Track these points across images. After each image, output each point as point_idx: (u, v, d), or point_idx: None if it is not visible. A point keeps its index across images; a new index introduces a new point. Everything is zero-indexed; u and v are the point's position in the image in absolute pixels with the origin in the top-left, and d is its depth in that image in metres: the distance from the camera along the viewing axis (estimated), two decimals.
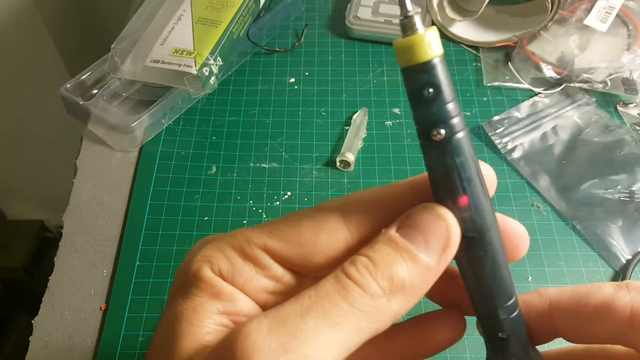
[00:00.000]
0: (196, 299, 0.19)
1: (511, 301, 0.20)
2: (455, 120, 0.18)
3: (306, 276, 0.21)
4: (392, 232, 0.19)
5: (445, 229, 0.18)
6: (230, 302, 0.19)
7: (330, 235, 0.20)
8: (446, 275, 0.21)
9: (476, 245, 0.19)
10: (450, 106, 0.18)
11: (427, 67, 0.17)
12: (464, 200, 0.18)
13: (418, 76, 0.18)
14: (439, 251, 0.18)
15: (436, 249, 0.18)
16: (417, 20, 0.18)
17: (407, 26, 0.18)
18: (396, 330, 0.23)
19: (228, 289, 0.19)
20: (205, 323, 0.18)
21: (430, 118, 0.18)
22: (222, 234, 0.21)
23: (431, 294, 0.23)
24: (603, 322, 0.19)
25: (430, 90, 0.17)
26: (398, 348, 0.22)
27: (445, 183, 0.18)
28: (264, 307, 0.20)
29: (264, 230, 0.20)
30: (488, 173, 0.20)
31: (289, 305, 0.17)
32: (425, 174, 0.20)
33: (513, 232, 0.21)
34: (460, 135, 0.18)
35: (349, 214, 0.20)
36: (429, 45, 0.17)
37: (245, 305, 0.19)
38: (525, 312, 0.21)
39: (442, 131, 0.18)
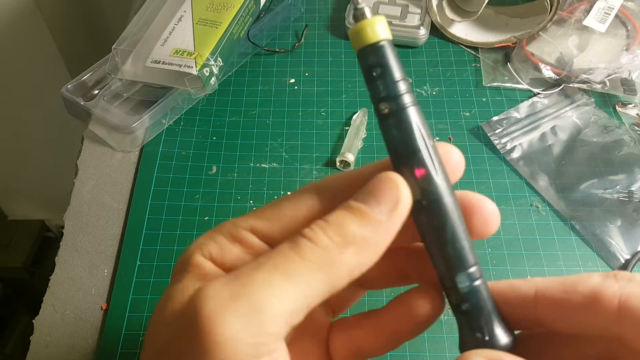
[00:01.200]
0: (184, 281, 0.20)
1: (471, 269, 0.20)
2: (402, 97, 0.20)
3: None
4: (349, 200, 0.20)
5: (394, 188, 0.20)
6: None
7: (308, 210, 0.21)
8: (421, 253, 0.22)
9: (429, 212, 0.20)
10: (397, 84, 0.20)
11: (374, 49, 0.20)
12: (413, 169, 0.20)
13: (368, 57, 0.20)
14: (389, 207, 0.20)
15: (386, 205, 0.20)
16: (367, 10, 0.20)
17: (357, 15, 0.20)
18: (380, 311, 0.23)
19: (214, 271, 0.20)
20: (185, 300, 0.19)
21: (379, 94, 0.20)
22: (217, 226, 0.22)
23: (409, 273, 0.24)
24: (590, 311, 0.20)
25: (379, 69, 0.20)
26: (383, 328, 0.23)
27: (395, 153, 0.21)
28: None
29: (249, 215, 0.22)
30: (451, 152, 0.21)
31: (245, 265, 0.19)
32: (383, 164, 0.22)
33: (483, 208, 0.22)
34: (407, 110, 0.20)
35: (324, 192, 0.22)
36: (376, 29, 0.20)
37: None
38: (509, 295, 0.21)
39: (388, 106, 0.20)
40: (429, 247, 0.21)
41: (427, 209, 0.20)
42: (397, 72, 0.20)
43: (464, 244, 0.20)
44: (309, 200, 0.21)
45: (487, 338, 0.20)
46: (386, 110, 0.20)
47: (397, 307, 0.23)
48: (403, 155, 0.20)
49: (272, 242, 0.21)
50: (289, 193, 0.23)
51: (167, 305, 0.19)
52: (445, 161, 0.21)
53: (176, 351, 0.18)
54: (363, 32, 0.20)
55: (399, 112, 0.20)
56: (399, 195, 0.20)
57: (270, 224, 0.21)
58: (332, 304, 0.25)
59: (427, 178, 0.20)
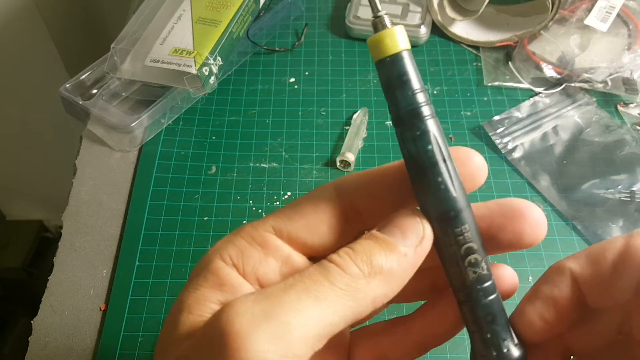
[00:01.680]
0: (200, 289, 0.20)
1: (486, 284, 0.21)
2: (422, 108, 0.20)
3: (312, 257, 0.22)
4: (373, 230, 0.21)
5: (419, 224, 0.21)
6: (232, 293, 0.20)
7: (327, 208, 0.22)
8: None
9: (444, 228, 0.20)
10: (416, 95, 0.20)
11: (394, 60, 0.20)
12: (430, 183, 0.20)
13: (387, 68, 0.20)
14: (415, 242, 0.20)
15: (412, 240, 0.20)
16: (386, 19, 0.20)
17: (377, 24, 0.20)
18: (407, 319, 0.24)
19: (232, 280, 0.20)
20: (205, 313, 0.19)
21: (398, 105, 0.20)
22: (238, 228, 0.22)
23: (439, 285, 0.24)
24: (624, 273, 0.20)
25: (398, 80, 0.20)
26: (411, 336, 0.23)
27: (413, 166, 0.20)
28: None
29: (269, 216, 0.22)
30: (473, 158, 0.22)
31: (274, 284, 0.19)
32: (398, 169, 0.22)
33: (530, 214, 0.22)
34: (426, 122, 0.20)
35: (342, 191, 0.22)
36: (396, 39, 0.20)
37: (247, 291, 0.20)
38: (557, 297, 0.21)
39: (407, 118, 0.20)
40: (444, 262, 0.21)
41: (443, 224, 0.20)
42: (416, 83, 0.20)
43: (479, 258, 0.20)
44: (327, 199, 0.22)
45: (500, 352, 0.21)
46: (405, 123, 0.20)
47: (425, 315, 0.24)
48: (421, 169, 0.20)
49: (293, 242, 0.21)
50: (306, 194, 0.23)
51: (185, 315, 0.19)
52: (465, 166, 0.21)
53: None
54: (382, 43, 0.20)
55: (418, 125, 0.20)
56: (424, 231, 0.20)
57: (291, 222, 0.21)
58: None
59: (445, 193, 0.20)
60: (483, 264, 0.20)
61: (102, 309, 0.41)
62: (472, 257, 0.20)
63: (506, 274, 0.23)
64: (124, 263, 0.43)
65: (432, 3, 0.56)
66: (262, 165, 0.48)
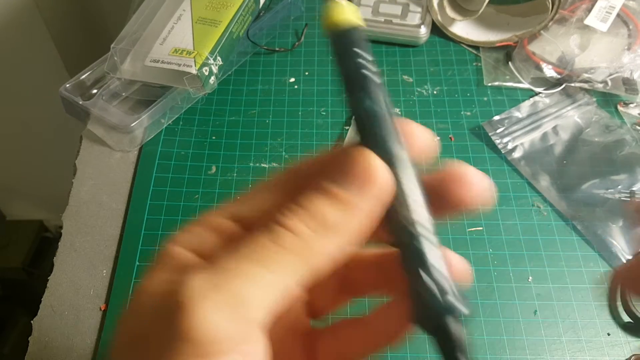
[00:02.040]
0: (159, 273, 0.20)
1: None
2: (372, 74, 0.21)
3: None
4: (320, 181, 0.20)
5: (365, 166, 0.19)
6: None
7: (285, 193, 0.21)
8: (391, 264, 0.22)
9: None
10: (368, 63, 0.21)
11: (345, 31, 0.21)
12: (379, 142, 0.20)
13: (339, 38, 0.21)
14: (361, 187, 0.19)
15: (358, 185, 0.19)
16: None
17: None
18: (370, 317, 0.23)
19: (192, 260, 0.20)
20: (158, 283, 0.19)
21: (350, 69, 0.21)
22: None
23: (396, 281, 0.23)
24: None
25: (351, 49, 0.21)
26: (373, 333, 0.23)
27: (362, 130, 0.20)
28: None
29: (227, 204, 0.21)
30: (419, 132, 0.21)
31: (224, 253, 0.18)
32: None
33: (466, 176, 0.22)
34: (374, 81, 0.21)
35: (301, 174, 0.21)
36: (346, 13, 0.21)
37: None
38: None
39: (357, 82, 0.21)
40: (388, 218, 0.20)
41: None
42: (366, 54, 0.21)
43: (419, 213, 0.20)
44: (285, 184, 0.21)
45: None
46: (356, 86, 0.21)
47: (384, 312, 0.23)
48: (368, 129, 0.20)
49: (251, 228, 0.21)
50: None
51: (142, 297, 0.19)
52: (409, 139, 0.21)
53: (155, 339, 0.18)
54: (333, 16, 0.21)
55: (368, 87, 0.21)
56: (370, 173, 0.19)
57: (248, 208, 0.21)
58: (314, 305, 0.25)
59: (387, 145, 0.19)
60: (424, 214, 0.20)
61: (102, 309, 0.41)
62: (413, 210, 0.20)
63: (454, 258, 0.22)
64: (124, 263, 0.43)
65: (432, 3, 0.56)
66: (262, 165, 0.48)
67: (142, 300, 0.20)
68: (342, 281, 0.24)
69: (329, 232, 0.19)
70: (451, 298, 0.19)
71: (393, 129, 0.20)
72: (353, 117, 0.21)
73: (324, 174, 0.20)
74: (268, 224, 0.19)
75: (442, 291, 0.19)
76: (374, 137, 0.20)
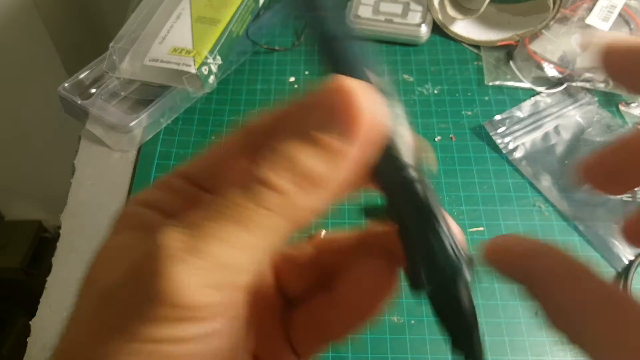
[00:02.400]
0: (123, 232, 0.20)
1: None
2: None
3: None
4: (297, 126, 0.17)
5: (352, 100, 0.16)
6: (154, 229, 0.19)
7: (241, 150, 0.19)
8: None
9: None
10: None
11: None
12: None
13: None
14: (352, 130, 0.16)
15: (347, 128, 0.16)
16: None
17: None
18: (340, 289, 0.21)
19: (153, 216, 0.20)
20: (129, 250, 0.19)
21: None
22: None
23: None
24: None
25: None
26: (346, 304, 0.21)
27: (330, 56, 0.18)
28: None
29: (183, 165, 0.21)
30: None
31: (197, 210, 0.17)
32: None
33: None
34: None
35: (259, 129, 0.20)
36: None
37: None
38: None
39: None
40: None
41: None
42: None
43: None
44: (241, 139, 0.20)
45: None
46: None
47: (359, 286, 0.21)
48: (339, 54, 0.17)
49: (206, 186, 0.20)
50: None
51: (107, 256, 0.19)
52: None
53: (128, 301, 0.17)
54: None
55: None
56: (357, 107, 0.16)
57: (203, 167, 0.20)
58: (284, 288, 0.23)
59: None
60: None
61: None
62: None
63: None
64: None
65: (433, 2, 0.56)
66: None
67: (107, 258, 0.19)
68: (313, 262, 0.22)
69: (315, 186, 0.17)
70: (463, 260, 0.17)
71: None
72: (317, 45, 0.17)
73: (300, 118, 0.17)
74: (244, 180, 0.17)
75: (457, 250, 0.17)
76: (348, 63, 0.16)
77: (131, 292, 0.17)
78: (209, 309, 0.16)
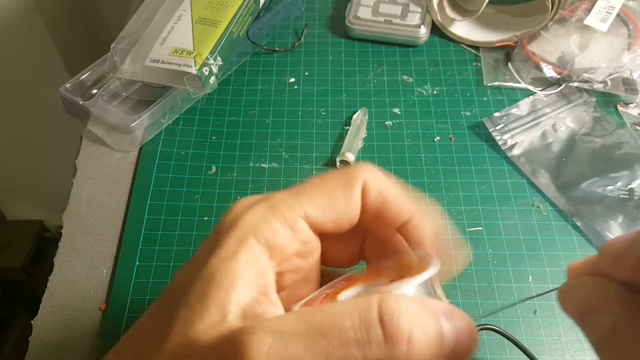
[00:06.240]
0: (237, 260, 0.20)
1: None
2: None
3: (327, 238, 0.24)
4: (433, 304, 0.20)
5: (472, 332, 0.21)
6: (262, 274, 0.21)
7: (355, 207, 0.23)
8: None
9: None
10: None
11: None
12: None
13: None
14: (462, 349, 0.20)
15: (462, 346, 0.20)
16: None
17: None
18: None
19: (261, 262, 0.21)
20: (235, 285, 0.20)
21: None
22: (262, 197, 0.23)
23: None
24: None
25: None
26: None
27: None
28: (283, 269, 0.22)
29: (303, 198, 0.22)
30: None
31: (297, 325, 0.18)
32: (423, 214, 0.24)
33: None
34: None
35: (367, 195, 0.23)
36: None
37: (269, 278, 0.21)
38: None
39: None
40: None
41: None
42: None
43: None
44: (358, 196, 0.23)
45: None
46: None
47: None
48: None
49: (319, 230, 0.23)
50: (333, 171, 0.25)
51: (214, 289, 0.20)
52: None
53: None
54: None
55: None
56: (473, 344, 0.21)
57: (324, 214, 0.22)
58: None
59: None
60: None
61: (102, 309, 0.41)
62: None
63: None
64: (124, 263, 0.43)
65: (432, 3, 0.56)
66: (262, 165, 0.48)
67: (212, 293, 0.19)
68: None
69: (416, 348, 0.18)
70: None
71: None
72: None
73: (396, 207, 0.24)
74: (369, 315, 0.18)
75: None
76: None
77: None
78: None
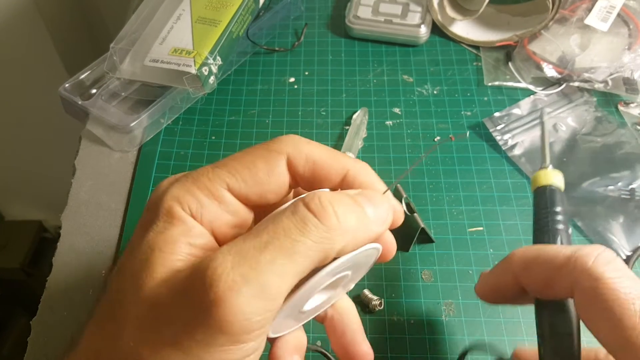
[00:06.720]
0: (168, 232, 0.21)
1: None
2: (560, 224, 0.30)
3: (257, 209, 0.24)
4: (352, 193, 0.23)
5: (391, 207, 0.24)
6: (198, 237, 0.21)
7: (278, 178, 0.24)
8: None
9: None
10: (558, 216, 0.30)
11: (544, 190, 0.32)
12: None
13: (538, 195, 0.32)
14: (381, 220, 0.23)
15: (380, 216, 0.23)
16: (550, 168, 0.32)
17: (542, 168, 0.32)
18: None
19: (197, 227, 0.22)
20: (177, 252, 0.21)
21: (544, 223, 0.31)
22: (186, 173, 0.23)
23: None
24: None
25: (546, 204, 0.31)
26: None
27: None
28: (224, 240, 0.23)
29: (224, 171, 0.23)
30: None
31: (249, 240, 0.20)
32: (358, 163, 0.26)
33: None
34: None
35: (294, 165, 0.24)
36: (551, 177, 0.32)
37: (209, 241, 0.22)
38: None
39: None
40: None
41: None
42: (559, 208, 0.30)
43: None
44: (281, 169, 0.24)
45: None
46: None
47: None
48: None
49: (244, 201, 0.23)
50: (257, 144, 0.25)
51: (157, 253, 0.20)
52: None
53: (182, 320, 0.19)
54: (538, 178, 0.32)
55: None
56: (390, 210, 0.24)
57: (246, 185, 0.23)
58: None
59: None
60: None
61: None
62: None
63: None
64: None
65: (432, 3, 0.56)
66: None
67: (155, 259, 0.20)
68: None
69: (349, 233, 0.21)
70: None
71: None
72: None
73: (325, 178, 0.24)
74: (295, 210, 0.21)
75: None
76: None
77: (187, 311, 0.19)
78: (255, 332, 0.19)
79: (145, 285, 0.20)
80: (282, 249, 0.19)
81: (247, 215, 0.24)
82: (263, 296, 0.19)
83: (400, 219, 0.25)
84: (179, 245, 0.21)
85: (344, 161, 0.25)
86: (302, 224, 0.20)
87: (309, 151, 0.24)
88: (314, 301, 0.25)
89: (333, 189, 0.25)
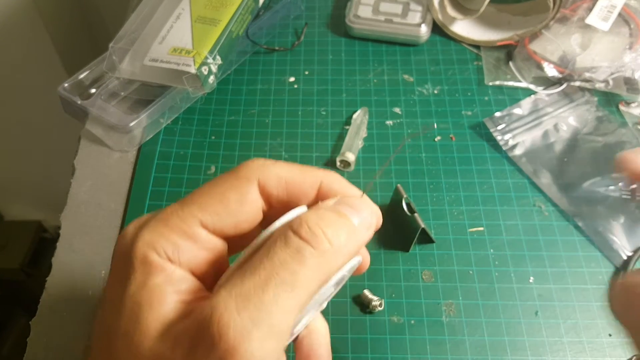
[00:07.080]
0: (150, 283, 0.20)
1: None
2: None
3: (231, 238, 0.24)
4: (331, 203, 0.23)
5: (375, 212, 0.24)
6: (181, 282, 0.21)
7: (252, 206, 0.23)
8: None
9: None
10: None
11: None
12: None
13: None
14: (367, 225, 0.23)
15: (365, 222, 0.23)
16: None
17: None
18: None
19: (177, 271, 0.21)
20: (165, 303, 0.20)
21: None
22: (152, 214, 0.22)
23: None
24: None
25: None
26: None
27: None
28: (203, 277, 0.22)
29: (195, 207, 0.22)
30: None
31: (248, 279, 0.19)
32: (329, 174, 0.25)
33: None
34: None
35: (267, 189, 0.23)
36: None
37: (193, 283, 0.22)
38: None
39: None
40: None
41: None
42: None
43: None
44: (253, 196, 0.23)
45: None
46: None
47: None
48: None
49: (219, 234, 0.23)
50: (223, 174, 0.24)
51: (143, 310, 0.19)
52: None
53: None
54: None
55: None
56: (375, 215, 0.24)
57: (219, 218, 0.22)
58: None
59: None
60: None
61: None
62: None
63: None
64: None
65: (433, 2, 0.56)
66: None
67: (146, 315, 0.19)
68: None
69: (342, 251, 0.21)
70: None
71: None
72: None
73: (298, 199, 0.24)
74: (287, 241, 0.20)
75: None
76: None
77: None
78: None
79: (142, 346, 0.19)
80: (284, 284, 0.19)
81: (222, 247, 0.23)
82: (274, 336, 0.18)
83: (380, 220, 0.25)
84: (165, 295, 0.20)
85: (314, 173, 0.24)
86: (298, 254, 0.20)
87: (279, 172, 0.24)
88: (302, 323, 0.25)
89: (310, 203, 0.25)
